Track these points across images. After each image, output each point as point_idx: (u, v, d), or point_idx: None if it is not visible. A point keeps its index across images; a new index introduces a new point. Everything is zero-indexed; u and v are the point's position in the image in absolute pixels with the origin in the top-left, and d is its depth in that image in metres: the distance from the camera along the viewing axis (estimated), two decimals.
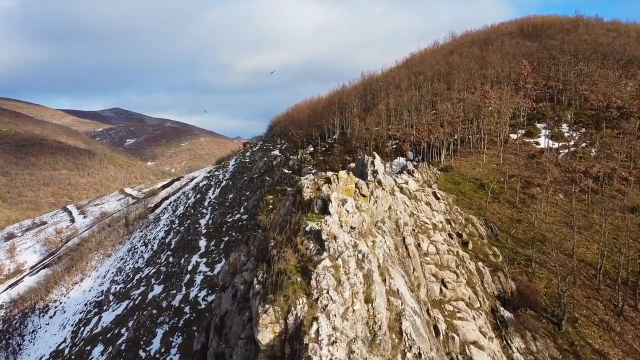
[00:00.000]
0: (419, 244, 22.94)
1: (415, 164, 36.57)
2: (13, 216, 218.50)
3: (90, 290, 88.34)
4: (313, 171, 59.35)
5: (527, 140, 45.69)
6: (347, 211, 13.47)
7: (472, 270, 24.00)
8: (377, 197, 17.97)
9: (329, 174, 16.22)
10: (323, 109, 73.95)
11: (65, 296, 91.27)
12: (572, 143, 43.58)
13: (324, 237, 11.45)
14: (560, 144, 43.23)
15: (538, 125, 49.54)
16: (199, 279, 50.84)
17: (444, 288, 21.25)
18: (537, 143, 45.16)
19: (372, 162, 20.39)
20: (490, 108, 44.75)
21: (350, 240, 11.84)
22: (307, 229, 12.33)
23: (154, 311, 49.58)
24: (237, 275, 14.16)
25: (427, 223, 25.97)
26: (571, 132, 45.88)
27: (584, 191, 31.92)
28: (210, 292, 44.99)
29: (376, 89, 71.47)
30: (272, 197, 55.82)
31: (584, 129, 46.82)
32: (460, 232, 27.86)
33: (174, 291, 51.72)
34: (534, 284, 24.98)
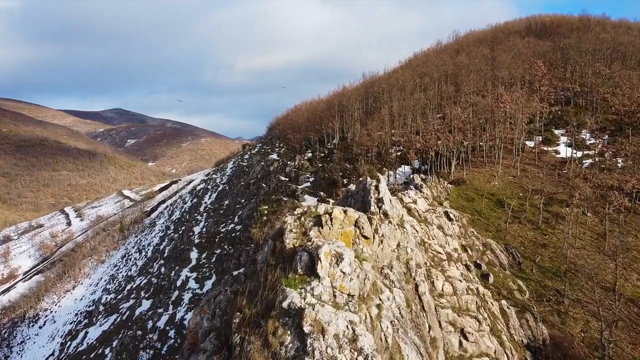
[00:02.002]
0: (432, 283, 19.03)
1: (424, 177, 32.66)
2: (12, 217, 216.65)
3: (81, 299, 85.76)
4: (311, 179, 55.52)
5: (545, 148, 41.58)
6: (343, 272, 9.64)
7: (496, 313, 20.06)
8: (383, 235, 14.09)
9: (321, 209, 12.37)
10: (322, 112, 70.02)
11: (56, 304, 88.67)
12: (595, 152, 39.44)
13: (306, 328, 7.65)
14: (583, 153, 39.07)
15: (556, 132, 45.38)
16: (187, 297, 47.24)
17: (464, 340, 17.32)
18: (557, 152, 41.02)
19: (377, 187, 16.50)
20: (505, 113, 40.66)
21: (346, 330, 8.00)
22: (285, 305, 8.53)
23: (139, 332, 46.12)
24: (193, 356, 10.45)
25: (440, 253, 22.04)
26: (593, 139, 41.75)
27: (618, 210, 27.88)
28: None
29: (378, 91, 67.45)
30: (266, 207, 52.03)
31: (606, 136, 42.65)
32: (478, 261, 23.92)
33: (161, 310, 48.22)
34: (568, 327, 20.99)
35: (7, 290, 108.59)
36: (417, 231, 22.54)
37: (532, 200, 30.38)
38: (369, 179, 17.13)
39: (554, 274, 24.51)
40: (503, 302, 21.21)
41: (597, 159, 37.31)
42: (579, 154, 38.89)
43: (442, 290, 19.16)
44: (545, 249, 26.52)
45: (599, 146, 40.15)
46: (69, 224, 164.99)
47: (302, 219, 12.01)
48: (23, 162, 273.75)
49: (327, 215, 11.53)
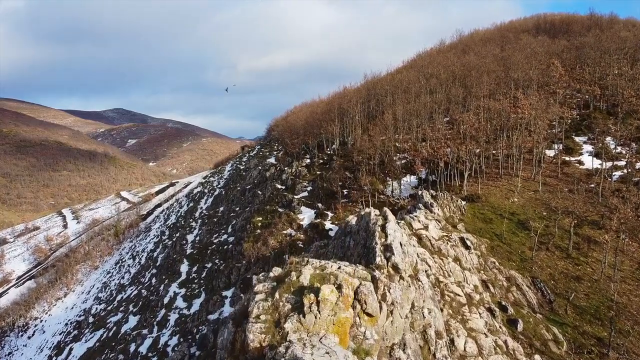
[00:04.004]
0: (452, 340, 15.14)
1: (434, 193, 28.76)
2: (12, 218, 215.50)
3: (72, 308, 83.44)
4: (308, 188, 51.65)
5: (567, 158, 37.47)
6: None
7: None
8: (393, 303, 10.22)
9: (304, 277, 8.58)
10: (321, 114, 66.10)
11: (46, 313, 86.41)
12: (623, 163, 35.35)
13: None
14: (612, 164, 34.91)
15: (577, 139, 41.28)
16: (173, 317, 43.62)
17: None
18: (580, 162, 36.90)
19: (383, 228, 12.62)
20: (523, 119, 36.58)
21: None
22: None
23: (120, 356, 42.66)
24: None
25: (458, 295, 18.16)
26: (620, 148, 37.62)
27: None
28: (181, 339, 37.62)
29: (381, 93, 63.41)
30: (260, 218, 48.27)
31: (634, 144, 38.46)
32: (503, 302, 19.99)
33: (145, 331, 44.71)
34: None
35: (0, 295, 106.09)
36: (430, 267, 18.67)
37: (559, 222, 26.35)
38: (373, 214, 13.31)
39: (593, 315, 20.55)
40: (537, 357, 17.30)
41: (628, 171, 33.21)
42: (606, 164, 34.75)
43: (465, 349, 15.28)
44: (580, 283, 22.55)
45: (628, 156, 36.01)
46: (65, 226, 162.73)
47: (277, 295, 8.19)
48: (23, 162, 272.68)
49: (311, 296, 7.68)
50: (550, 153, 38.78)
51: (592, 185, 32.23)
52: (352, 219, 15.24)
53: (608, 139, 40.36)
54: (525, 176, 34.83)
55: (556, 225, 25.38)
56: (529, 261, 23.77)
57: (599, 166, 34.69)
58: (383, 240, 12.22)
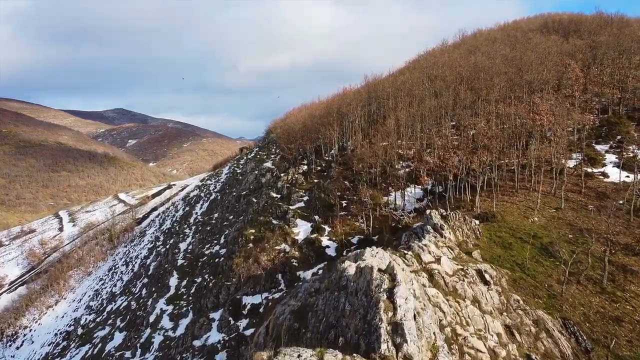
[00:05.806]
0: None
1: (444, 212, 25.27)
2: (10, 219, 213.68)
3: (63, 317, 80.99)
4: (305, 198, 48.19)
5: (589, 170, 33.87)
6: None
7: None
8: None
9: None
10: (320, 118, 62.63)
11: (36, 322, 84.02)
12: None
13: None
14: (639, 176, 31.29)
15: (598, 148, 37.66)
16: (157, 339, 40.31)
17: None
18: (604, 174, 33.31)
19: (390, 295, 9.36)
20: (541, 126, 33.01)
21: None
22: None
23: None
24: None
25: (481, 351, 14.68)
26: None
27: None
28: None
29: (383, 96, 59.88)
30: (253, 230, 44.89)
31: None
32: (532, 354, 16.49)
33: (129, 353, 41.51)
34: None
35: None
36: (444, 314, 15.21)
37: (588, 246, 22.82)
38: (375, 271, 9.85)
39: None
40: None
41: None
42: (638, 177, 31.09)
43: None
44: (620, 326, 19.04)
45: None
46: (60, 229, 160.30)
47: None
48: (22, 162, 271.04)
49: None
50: (569, 164, 35.19)
51: (621, 202, 28.65)
52: (350, 268, 11.76)
53: (632, 147, 36.78)
54: (545, 190, 31.26)
55: (589, 253, 21.83)
56: (558, 298, 20.26)
57: (627, 179, 31.09)
58: (390, 314, 8.80)
